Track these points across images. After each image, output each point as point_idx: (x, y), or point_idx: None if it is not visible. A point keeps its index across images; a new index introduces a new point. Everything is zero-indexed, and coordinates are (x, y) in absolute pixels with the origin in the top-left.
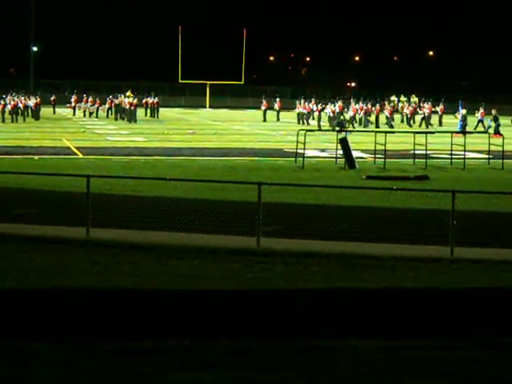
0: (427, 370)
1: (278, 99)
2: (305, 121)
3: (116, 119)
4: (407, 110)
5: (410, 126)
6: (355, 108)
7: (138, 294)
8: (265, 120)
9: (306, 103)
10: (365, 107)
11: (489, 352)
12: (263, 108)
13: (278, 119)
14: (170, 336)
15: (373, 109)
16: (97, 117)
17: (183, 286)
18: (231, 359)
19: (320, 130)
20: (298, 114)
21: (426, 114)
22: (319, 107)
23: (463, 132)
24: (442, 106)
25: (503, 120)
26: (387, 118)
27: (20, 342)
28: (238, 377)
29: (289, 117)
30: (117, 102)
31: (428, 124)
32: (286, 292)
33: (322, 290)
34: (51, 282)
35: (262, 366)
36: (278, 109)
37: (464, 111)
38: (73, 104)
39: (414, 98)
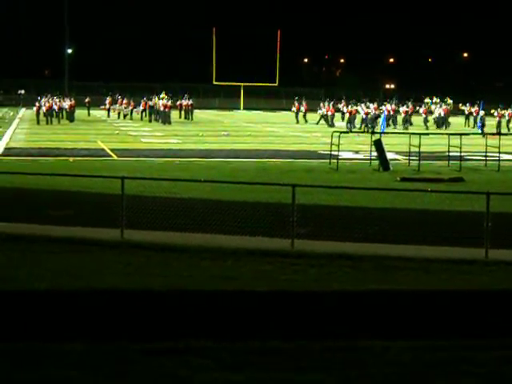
0: (456, 370)
1: (302, 101)
2: (324, 122)
3: (150, 121)
4: (440, 111)
5: (440, 127)
6: (388, 109)
7: (169, 295)
8: (297, 122)
9: (331, 104)
10: (396, 108)
11: None
12: (294, 110)
13: (306, 121)
14: (199, 336)
15: (404, 110)
16: (131, 119)
17: (215, 287)
18: (261, 360)
19: (351, 131)
20: (322, 116)
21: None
22: (349, 109)
23: (498, 133)
24: (476, 108)
25: None
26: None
27: (49, 343)
28: (267, 377)
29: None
30: (151, 103)
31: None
32: (317, 293)
33: (353, 292)
34: (83, 283)
35: (292, 367)
36: (303, 111)
37: (482, 112)
38: (107, 106)
39: (449, 100)
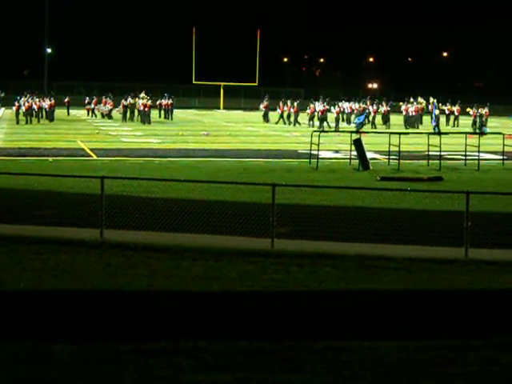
0: (442, 370)
1: (264, 100)
2: (287, 121)
3: (132, 120)
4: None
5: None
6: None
7: (153, 295)
8: (267, 121)
9: (295, 104)
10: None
11: (506, 353)
12: (263, 109)
13: (267, 120)
14: (187, 337)
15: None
16: (110, 118)
17: (198, 288)
18: (248, 360)
19: (323, 131)
20: (281, 116)
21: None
22: (321, 108)
23: (478, 133)
24: (458, 107)
25: None
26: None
27: (36, 344)
28: (254, 378)
29: (301, 118)
30: (125, 103)
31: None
32: (301, 293)
33: (336, 292)
34: (65, 283)
35: (280, 367)
36: (263, 109)
37: (437, 111)
38: (92, 106)
39: (420, 100)
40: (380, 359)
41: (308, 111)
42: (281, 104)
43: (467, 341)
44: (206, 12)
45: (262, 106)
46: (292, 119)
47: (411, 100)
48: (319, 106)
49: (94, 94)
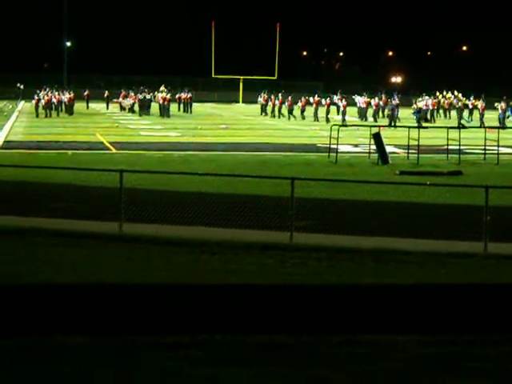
0: (462, 365)
1: (263, 93)
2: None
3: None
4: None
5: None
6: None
7: (171, 289)
8: (266, 114)
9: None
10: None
11: None
12: (262, 102)
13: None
14: (204, 331)
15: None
16: (133, 112)
17: (216, 281)
18: (266, 354)
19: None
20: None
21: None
22: (344, 102)
23: (497, 127)
24: (482, 103)
25: None
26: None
27: (54, 338)
28: (274, 372)
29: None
30: (140, 97)
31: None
32: (319, 287)
33: (354, 286)
34: (83, 277)
35: (298, 361)
36: (263, 102)
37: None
38: (120, 99)
39: (437, 94)
40: (399, 353)
41: (299, 104)
42: (272, 97)
43: (486, 335)
44: (225, 5)
45: (260, 99)
46: (285, 112)
47: (424, 95)
48: (340, 101)
49: (125, 89)
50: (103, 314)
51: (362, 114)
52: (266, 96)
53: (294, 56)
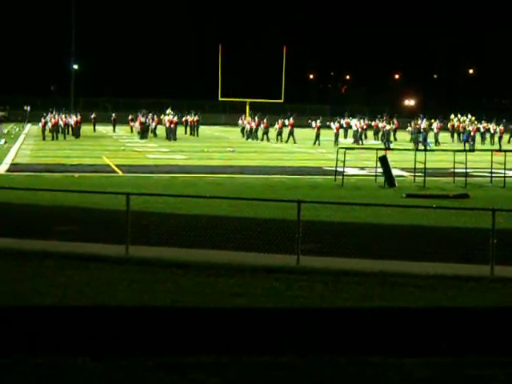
0: None
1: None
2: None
3: (143, 138)
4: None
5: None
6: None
7: (177, 312)
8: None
9: (257, 119)
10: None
11: None
12: (244, 124)
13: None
14: (210, 352)
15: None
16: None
17: (222, 304)
18: (273, 375)
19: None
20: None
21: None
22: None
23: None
24: (501, 127)
25: None
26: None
27: (60, 359)
28: None
29: (327, 134)
30: (142, 120)
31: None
32: (325, 310)
33: (360, 309)
34: (89, 299)
35: (307, 382)
36: (246, 125)
37: (426, 123)
38: (137, 124)
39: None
40: (406, 375)
41: (276, 126)
42: (249, 119)
43: (493, 358)
44: (232, 29)
45: (240, 122)
46: (260, 134)
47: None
48: (356, 123)
49: (144, 113)
50: (108, 336)
51: (357, 137)
52: (247, 119)
53: (300, 79)
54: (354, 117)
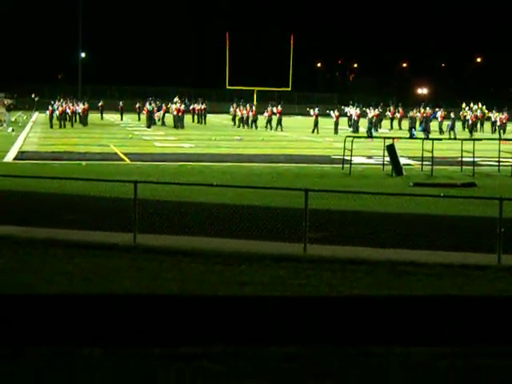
0: (477, 377)
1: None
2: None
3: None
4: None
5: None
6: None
7: (184, 300)
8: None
9: (248, 107)
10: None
11: None
12: (232, 112)
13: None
14: (217, 342)
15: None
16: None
17: (229, 292)
18: (280, 365)
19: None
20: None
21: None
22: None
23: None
24: (506, 115)
25: None
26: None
27: (67, 348)
28: (288, 383)
29: (328, 123)
30: (149, 108)
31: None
32: (332, 299)
33: (367, 297)
34: (96, 287)
35: (312, 373)
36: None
37: (429, 111)
38: (156, 113)
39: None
40: (413, 365)
41: (265, 114)
42: (241, 107)
43: (501, 347)
44: (239, 17)
45: (232, 110)
46: (249, 121)
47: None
48: (354, 111)
49: (157, 101)
50: (115, 325)
51: (354, 126)
52: (236, 107)
53: (308, 67)
54: (353, 105)
